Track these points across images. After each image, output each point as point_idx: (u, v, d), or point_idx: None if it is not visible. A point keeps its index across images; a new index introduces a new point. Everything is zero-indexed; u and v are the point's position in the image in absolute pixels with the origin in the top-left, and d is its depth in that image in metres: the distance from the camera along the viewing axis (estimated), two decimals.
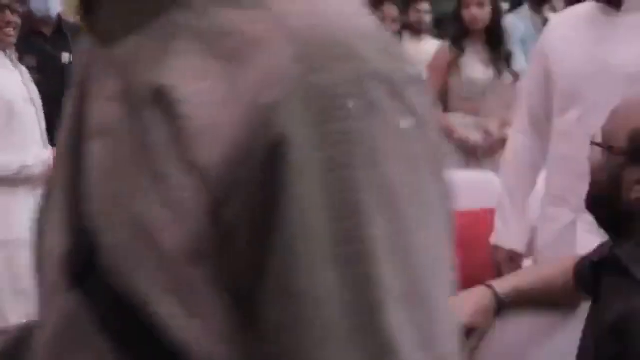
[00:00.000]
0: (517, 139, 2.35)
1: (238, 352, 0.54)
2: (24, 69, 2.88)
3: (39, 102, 2.87)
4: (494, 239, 2.36)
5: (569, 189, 2.13)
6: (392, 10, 4.03)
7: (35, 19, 3.77)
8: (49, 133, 2.95)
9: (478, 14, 3.88)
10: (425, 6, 5.23)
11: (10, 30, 2.77)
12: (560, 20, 2.31)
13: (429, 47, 4.87)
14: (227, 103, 0.53)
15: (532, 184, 2.35)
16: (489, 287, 1.66)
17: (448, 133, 3.93)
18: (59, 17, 3.87)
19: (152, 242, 0.53)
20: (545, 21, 4.58)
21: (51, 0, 3.75)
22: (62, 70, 3.64)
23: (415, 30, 5.21)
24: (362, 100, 0.52)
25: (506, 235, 2.33)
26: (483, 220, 2.59)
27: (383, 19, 4.07)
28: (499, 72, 3.91)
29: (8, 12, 2.75)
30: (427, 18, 5.22)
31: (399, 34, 4.12)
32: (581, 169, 1.70)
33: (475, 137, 3.92)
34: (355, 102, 0.52)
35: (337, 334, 0.51)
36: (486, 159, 3.91)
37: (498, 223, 2.35)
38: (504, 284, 1.68)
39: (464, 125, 3.96)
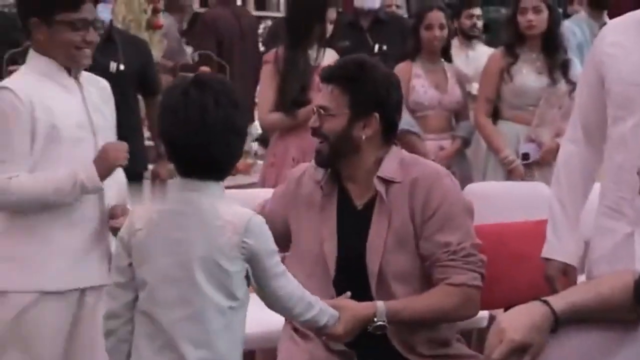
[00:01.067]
0: (569, 148, 2.29)
1: None
2: (91, 93, 2.41)
3: (104, 132, 2.40)
4: (545, 252, 2.28)
5: (625, 200, 2.08)
6: (439, 17, 3.96)
7: None
8: None
9: (535, 19, 3.79)
10: (477, 11, 5.14)
11: (88, 51, 2.34)
12: (613, 27, 2.23)
13: (480, 53, 4.78)
14: None
15: (585, 195, 2.27)
16: (545, 302, 1.61)
17: (495, 151, 3.84)
18: (110, 25, 3.89)
19: None
20: (601, 25, 4.44)
21: (101, 8, 3.75)
22: (110, 79, 3.64)
23: (467, 36, 5.13)
24: None
25: (559, 248, 2.25)
26: (534, 232, 2.50)
27: (430, 26, 3.96)
28: (553, 80, 3.80)
29: (91, 30, 2.33)
30: (479, 23, 5.14)
31: (447, 40, 4.03)
32: (638, 180, 1.63)
33: (525, 148, 3.81)
34: None
35: None
36: (538, 170, 3.80)
37: (550, 235, 2.27)
38: (560, 300, 1.62)
39: (514, 134, 3.86)
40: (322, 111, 2.16)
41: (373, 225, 2.16)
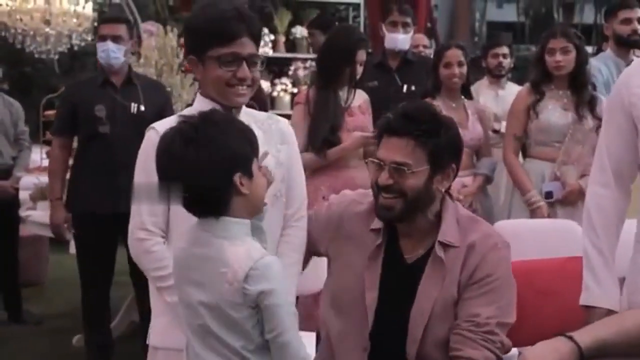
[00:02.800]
0: (600, 192, 2.24)
1: None
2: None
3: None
4: (586, 300, 2.21)
5: None
6: (457, 54, 4.00)
7: (107, 70, 3.90)
8: None
9: (563, 60, 3.80)
10: (504, 50, 5.18)
11: (242, 89, 2.14)
12: (636, 68, 2.21)
13: (509, 92, 4.81)
14: None
15: (618, 237, 2.24)
16: (570, 338, 1.61)
17: (521, 191, 3.84)
18: (129, 68, 4.04)
19: None
20: (628, 63, 4.45)
21: (114, 49, 3.88)
22: (130, 119, 3.77)
23: (494, 75, 5.16)
24: None
25: (602, 295, 2.19)
26: (561, 269, 2.50)
27: (449, 64, 4.01)
28: (579, 117, 3.81)
29: (245, 66, 2.13)
30: (506, 62, 5.17)
31: (467, 77, 4.06)
32: None
33: (548, 187, 3.80)
34: None
35: None
36: (561, 208, 3.79)
37: (590, 282, 2.21)
38: (586, 336, 1.62)
39: (540, 172, 3.86)
40: (398, 167, 2.05)
41: (423, 285, 2.07)
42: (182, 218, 1.90)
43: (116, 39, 3.91)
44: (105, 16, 4.91)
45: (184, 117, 1.83)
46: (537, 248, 2.78)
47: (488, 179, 4.10)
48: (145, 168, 2.09)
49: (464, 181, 3.99)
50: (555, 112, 3.83)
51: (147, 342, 2.27)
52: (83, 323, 4.00)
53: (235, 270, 1.72)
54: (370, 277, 2.12)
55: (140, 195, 2.15)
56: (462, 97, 4.11)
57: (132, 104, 3.84)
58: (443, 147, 2.07)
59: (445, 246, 2.08)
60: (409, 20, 4.52)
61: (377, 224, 2.15)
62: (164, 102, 4.03)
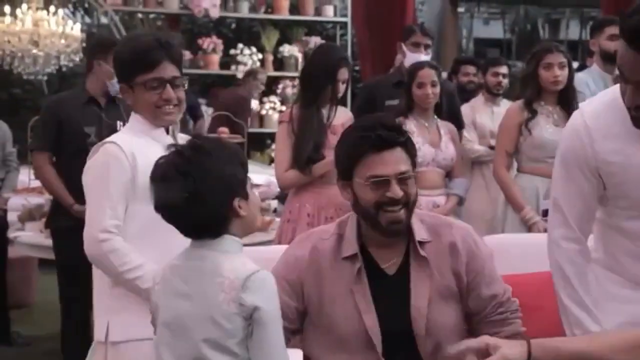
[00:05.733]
0: (570, 247, 2.18)
1: None
2: None
3: None
4: None
5: None
6: (430, 74, 4.03)
7: (101, 90, 3.95)
8: None
9: (561, 75, 3.83)
10: (504, 69, 5.24)
11: (168, 108, 2.40)
12: (594, 123, 2.12)
13: (504, 109, 4.84)
14: None
15: None
16: (528, 342, 1.65)
17: (514, 208, 3.85)
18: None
19: None
20: (616, 78, 4.49)
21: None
22: None
23: (492, 93, 5.21)
24: None
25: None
26: (550, 283, 2.50)
27: (422, 84, 4.04)
28: None
29: (169, 88, 2.39)
30: (505, 81, 5.23)
31: (440, 97, 4.08)
32: None
33: (545, 205, 3.81)
34: None
35: None
36: None
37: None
38: (546, 343, 1.66)
39: (533, 187, 3.88)
40: (403, 176, 2.13)
41: (414, 288, 2.15)
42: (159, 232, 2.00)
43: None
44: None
45: (174, 146, 1.86)
46: (523, 262, 2.79)
47: (461, 200, 4.11)
48: (104, 176, 2.32)
49: (435, 201, 4.00)
50: (547, 128, 3.86)
51: (100, 339, 2.36)
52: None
53: (232, 279, 1.74)
54: (362, 302, 2.14)
55: (99, 199, 2.33)
56: (435, 116, 4.10)
57: (118, 122, 3.85)
58: (415, 150, 2.21)
59: (421, 244, 2.18)
60: (430, 41, 4.57)
61: (348, 250, 2.18)
62: None
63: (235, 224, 1.82)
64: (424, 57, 4.48)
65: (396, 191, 2.10)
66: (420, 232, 2.19)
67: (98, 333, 2.39)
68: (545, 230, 3.72)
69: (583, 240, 2.20)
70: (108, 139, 2.41)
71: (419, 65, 4.09)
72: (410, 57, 4.50)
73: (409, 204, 2.13)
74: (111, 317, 2.37)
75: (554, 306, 2.25)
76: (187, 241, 1.86)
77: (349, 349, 2.13)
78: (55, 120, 3.92)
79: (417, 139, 3.91)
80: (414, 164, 2.18)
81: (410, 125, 3.97)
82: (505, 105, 5.07)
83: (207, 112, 7.49)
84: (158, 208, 1.80)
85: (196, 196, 1.75)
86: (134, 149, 2.34)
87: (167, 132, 2.44)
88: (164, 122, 2.42)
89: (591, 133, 2.12)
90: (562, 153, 2.24)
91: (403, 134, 2.16)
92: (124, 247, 2.31)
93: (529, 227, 3.81)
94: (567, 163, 2.20)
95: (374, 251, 2.19)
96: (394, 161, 2.11)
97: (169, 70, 2.39)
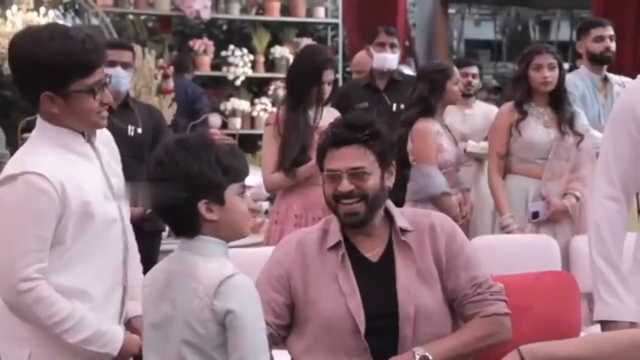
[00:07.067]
0: (610, 206, 2.25)
1: None
2: (104, 154, 2.21)
3: (120, 191, 2.21)
4: (607, 315, 2.22)
5: None
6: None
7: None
8: None
9: (550, 76, 3.84)
10: (473, 70, 5.24)
11: (105, 113, 2.14)
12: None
13: (477, 111, 4.88)
14: None
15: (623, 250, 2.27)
16: (519, 351, 1.66)
17: (498, 211, 3.88)
18: (127, 93, 4.10)
19: None
20: (604, 79, 4.52)
21: (123, 74, 3.94)
22: (128, 141, 3.79)
23: (463, 94, 5.20)
24: None
25: (623, 309, 2.20)
26: (540, 283, 2.52)
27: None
28: (562, 133, 3.85)
29: (107, 91, 2.13)
30: (475, 82, 5.22)
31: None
32: None
33: (534, 207, 3.83)
34: None
35: None
36: (544, 226, 3.83)
37: (606, 297, 2.21)
38: (540, 349, 1.66)
39: (523, 188, 3.90)
40: (356, 172, 2.24)
41: (399, 274, 2.24)
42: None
43: (125, 65, 3.95)
44: (113, 41, 4.88)
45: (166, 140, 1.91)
46: (512, 263, 2.81)
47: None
48: (26, 216, 2.00)
49: (458, 198, 4.04)
50: (538, 129, 3.88)
51: None
52: None
53: (205, 285, 1.73)
54: (347, 287, 2.23)
55: (20, 244, 2.00)
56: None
57: (130, 127, 3.88)
58: (387, 148, 2.29)
59: (403, 232, 2.29)
60: (395, 41, 4.65)
61: (332, 240, 2.29)
62: (158, 125, 4.11)
63: (208, 228, 1.80)
64: (390, 56, 4.54)
65: (344, 185, 2.23)
66: (402, 221, 2.30)
67: None
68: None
69: (624, 202, 2.25)
70: (29, 167, 2.03)
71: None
72: (377, 57, 4.56)
73: (367, 198, 2.23)
74: (33, 347, 2.07)
75: (543, 306, 2.27)
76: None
77: (332, 333, 2.20)
78: None
79: (446, 140, 3.97)
80: (382, 162, 2.27)
81: (437, 126, 3.96)
82: (478, 106, 5.07)
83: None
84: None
85: (160, 185, 1.78)
86: (62, 176, 2.04)
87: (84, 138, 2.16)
88: (99, 127, 2.17)
89: (632, 87, 2.23)
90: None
91: (364, 132, 2.24)
92: (50, 294, 2.01)
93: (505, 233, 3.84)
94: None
95: (357, 242, 2.30)
96: (347, 157, 2.24)
97: (102, 70, 2.13)
